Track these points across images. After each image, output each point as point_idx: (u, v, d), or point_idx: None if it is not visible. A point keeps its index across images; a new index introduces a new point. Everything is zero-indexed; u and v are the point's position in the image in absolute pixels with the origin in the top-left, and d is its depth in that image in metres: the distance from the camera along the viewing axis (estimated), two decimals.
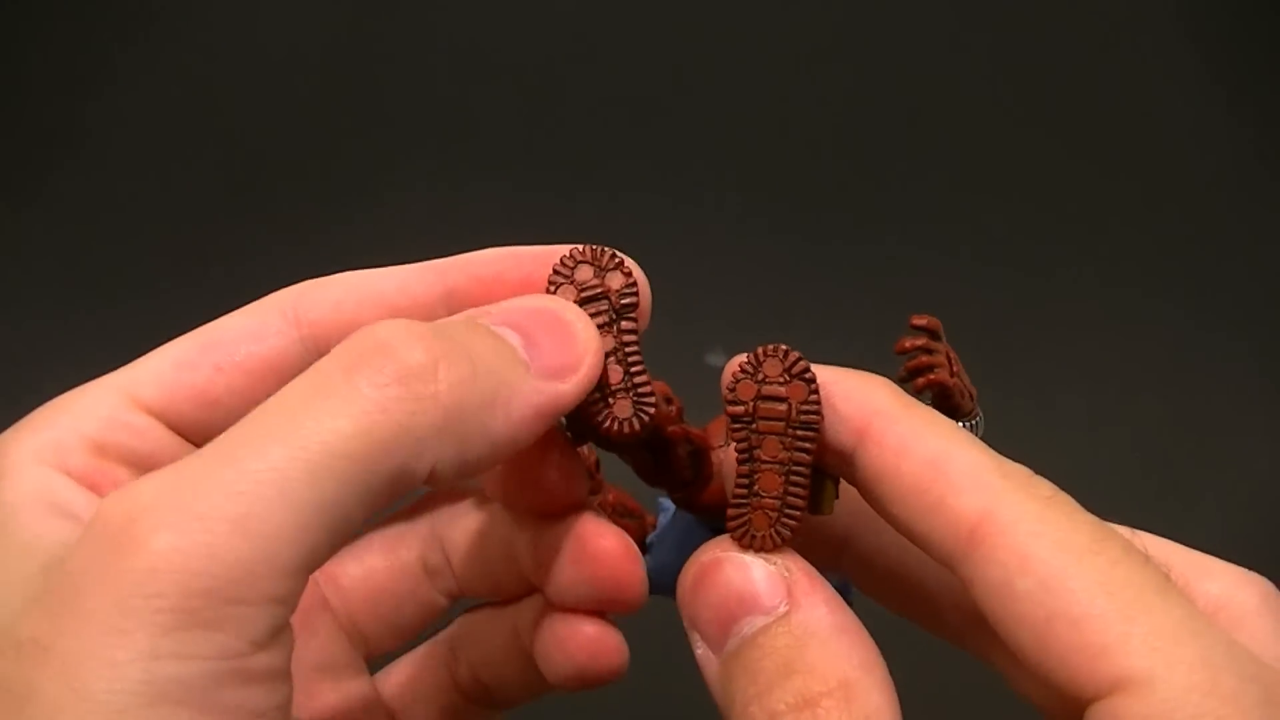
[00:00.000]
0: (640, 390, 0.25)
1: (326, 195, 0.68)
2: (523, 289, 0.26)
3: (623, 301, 0.25)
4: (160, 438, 0.25)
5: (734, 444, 0.24)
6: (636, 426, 0.25)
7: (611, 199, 0.68)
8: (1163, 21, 0.68)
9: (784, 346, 0.24)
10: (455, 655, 0.31)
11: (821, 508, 0.25)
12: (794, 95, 0.69)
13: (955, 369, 0.29)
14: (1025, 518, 0.21)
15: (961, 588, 0.22)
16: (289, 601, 0.20)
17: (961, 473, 0.22)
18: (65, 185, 0.67)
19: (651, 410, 0.25)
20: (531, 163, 0.68)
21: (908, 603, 0.27)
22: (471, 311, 0.25)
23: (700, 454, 0.29)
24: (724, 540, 0.25)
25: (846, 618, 0.23)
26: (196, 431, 0.25)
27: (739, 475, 0.24)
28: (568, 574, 0.27)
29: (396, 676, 0.31)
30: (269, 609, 0.19)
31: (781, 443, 0.24)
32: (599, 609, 0.28)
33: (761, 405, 0.24)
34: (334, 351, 0.22)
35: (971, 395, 0.30)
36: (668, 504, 0.33)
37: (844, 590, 0.29)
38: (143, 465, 0.24)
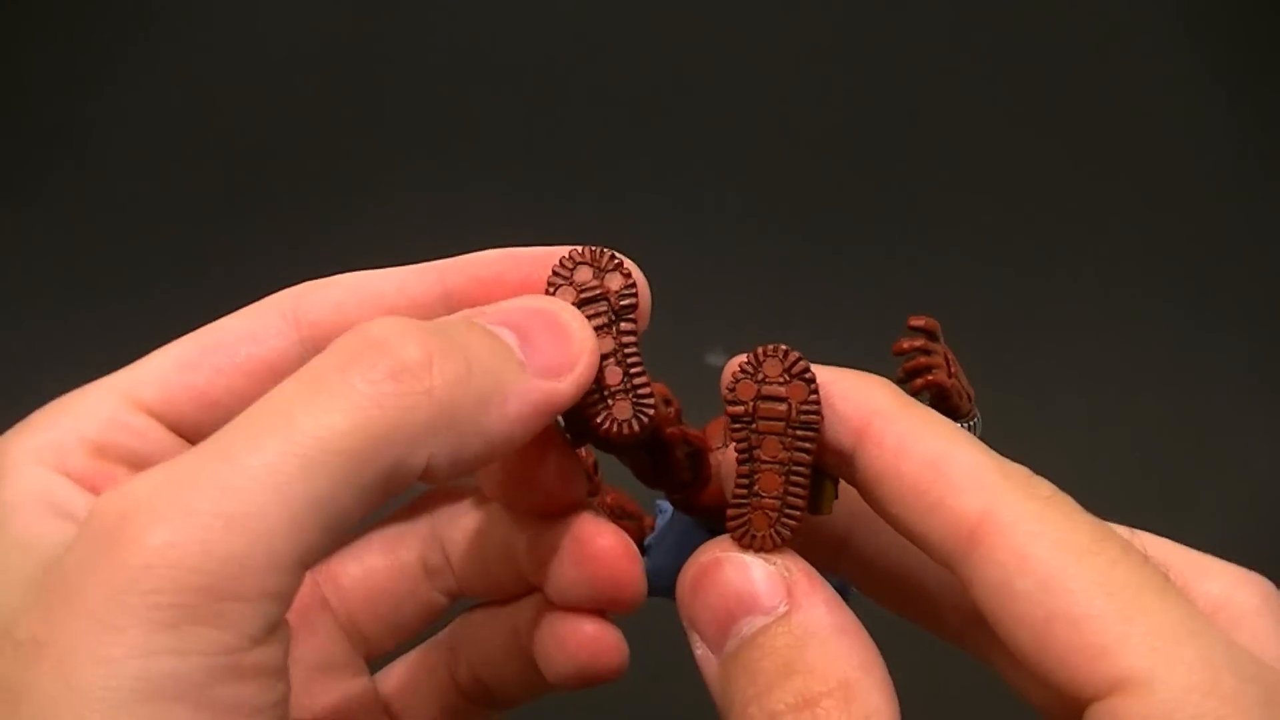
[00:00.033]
0: (639, 392, 0.25)
1: (326, 195, 0.68)
2: (522, 290, 0.26)
3: (622, 303, 0.25)
4: (160, 439, 0.25)
5: (734, 444, 0.24)
6: (636, 428, 0.25)
7: (611, 199, 0.68)
8: (1163, 21, 0.68)
9: (784, 346, 0.24)
10: (455, 655, 0.31)
11: (821, 508, 0.25)
12: (794, 95, 0.69)
13: (953, 370, 0.29)
14: (1025, 518, 0.21)
15: (961, 588, 0.22)
16: (285, 597, 0.20)
17: (961, 473, 0.22)
18: (65, 185, 0.67)
19: (651, 412, 0.25)
20: (531, 163, 0.68)
21: (907, 603, 0.27)
22: (468, 311, 0.25)
23: (698, 455, 0.29)
24: (724, 540, 0.25)
25: (846, 618, 0.23)
26: (196, 432, 0.25)
27: (739, 475, 0.24)
28: (567, 573, 0.27)
29: (396, 676, 0.31)
30: (264, 605, 0.19)
31: (781, 443, 0.24)
32: (598, 608, 0.28)
33: (761, 405, 0.24)
34: (329, 349, 0.22)
35: (969, 396, 0.30)
36: (666, 506, 0.33)
37: (843, 591, 0.29)
38: (143, 466, 0.24)
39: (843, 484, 0.25)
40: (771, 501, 0.24)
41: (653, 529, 0.33)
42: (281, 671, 0.20)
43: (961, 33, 0.69)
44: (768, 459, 0.24)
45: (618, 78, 0.68)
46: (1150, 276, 0.68)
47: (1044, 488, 0.22)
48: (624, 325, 0.25)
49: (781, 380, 0.24)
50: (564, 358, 0.24)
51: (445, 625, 0.32)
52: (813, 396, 0.24)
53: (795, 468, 0.24)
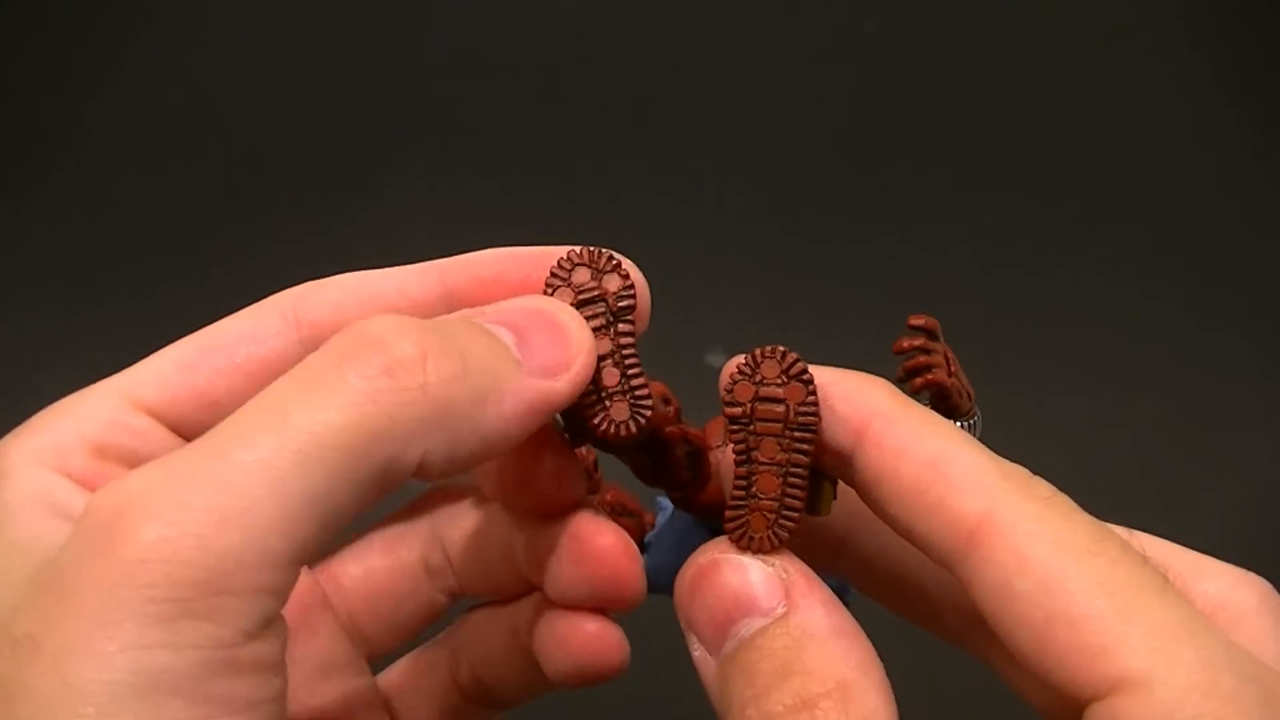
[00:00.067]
0: (637, 393, 0.25)
1: (326, 195, 0.68)
2: (522, 290, 0.26)
3: (620, 304, 0.25)
4: (161, 439, 0.25)
5: (731, 445, 0.24)
6: (633, 429, 0.25)
7: (611, 199, 0.68)
8: (1163, 21, 0.68)
9: (781, 348, 0.24)
10: (455, 655, 0.31)
11: (819, 509, 0.25)
12: (794, 95, 0.69)
13: (953, 369, 0.29)
14: (1024, 518, 0.21)
15: (960, 588, 0.22)
16: (280, 593, 0.20)
17: (960, 474, 0.22)
18: (65, 185, 0.67)
19: (648, 414, 0.25)
20: (531, 163, 0.68)
21: (907, 603, 0.27)
22: (467, 311, 0.25)
23: (698, 454, 0.29)
24: (721, 542, 0.25)
25: (844, 619, 0.23)
26: (197, 433, 0.25)
27: (736, 477, 0.24)
28: (566, 572, 0.27)
29: (397, 676, 0.31)
30: (259, 599, 0.20)
31: (779, 444, 0.24)
32: (598, 606, 0.28)
33: (759, 407, 0.24)
34: (324, 346, 0.22)
35: (969, 395, 0.30)
36: (666, 503, 0.33)
37: (843, 590, 0.29)
38: None
39: (841, 484, 0.25)
40: (769, 503, 0.24)
41: (653, 526, 0.34)
42: (278, 667, 0.21)
43: (961, 33, 0.69)
44: (765, 460, 0.24)
45: (618, 78, 0.68)
46: (1150, 276, 0.68)
47: (1043, 488, 0.22)
48: (621, 327, 0.25)
49: (779, 382, 0.24)
50: (561, 357, 0.24)
51: (446, 626, 0.32)
52: (810, 398, 0.24)
53: (793, 469, 0.24)
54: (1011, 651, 0.21)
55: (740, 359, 0.24)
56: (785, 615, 0.23)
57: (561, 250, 0.26)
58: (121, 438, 0.24)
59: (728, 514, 0.24)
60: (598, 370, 0.25)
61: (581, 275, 0.25)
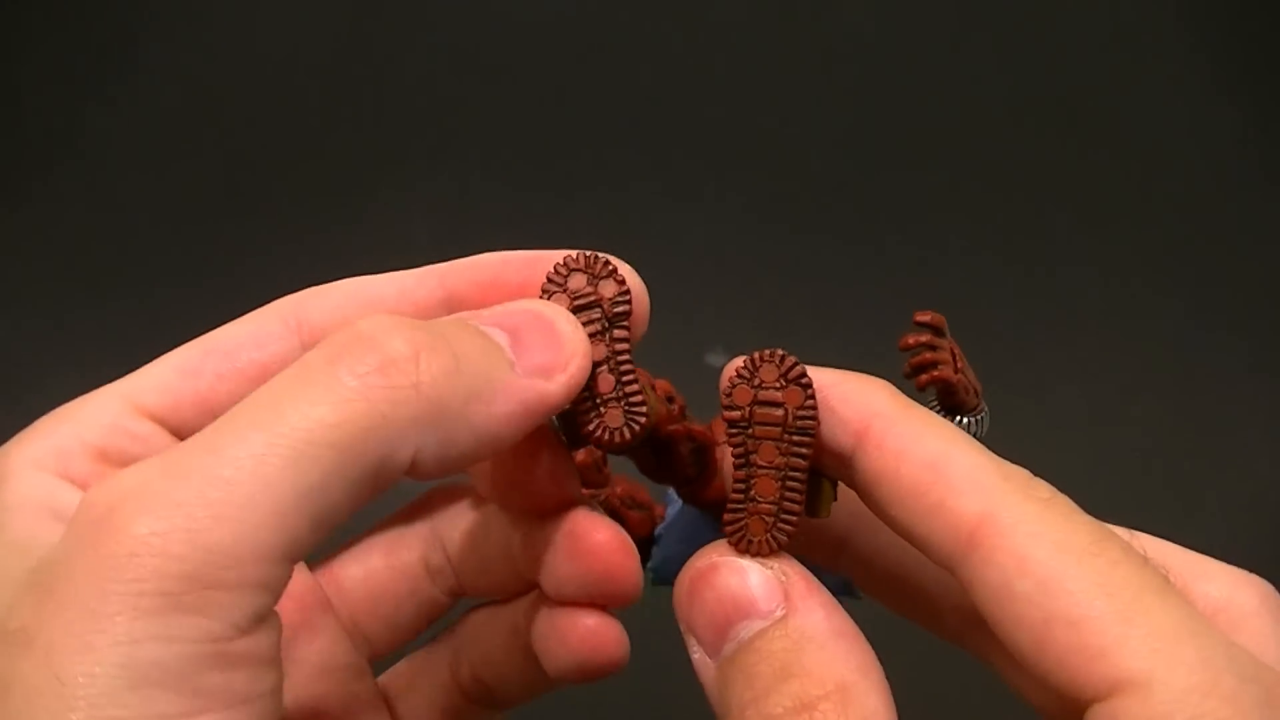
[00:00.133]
0: (631, 400, 0.25)
1: (326, 195, 0.68)
2: (521, 293, 0.26)
3: (615, 310, 0.25)
4: (163, 443, 0.25)
5: (730, 449, 0.24)
6: (627, 436, 0.25)
7: (612, 199, 0.68)
8: (1164, 21, 0.68)
9: (780, 351, 0.24)
10: (457, 655, 0.31)
11: (819, 511, 0.25)
12: (794, 95, 0.69)
13: (959, 364, 0.29)
14: (1024, 520, 0.21)
15: (960, 589, 0.22)
16: (273, 588, 0.20)
17: (961, 475, 0.22)
18: (65, 185, 0.67)
19: (642, 420, 0.25)
20: (531, 163, 0.68)
21: (907, 603, 0.27)
22: (463, 313, 0.25)
23: (703, 450, 0.29)
24: (720, 545, 0.25)
25: (843, 622, 0.23)
26: None
27: (735, 480, 0.24)
28: (563, 569, 0.27)
29: (398, 677, 0.31)
30: (251, 594, 0.20)
31: (778, 448, 0.24)
32: (596, 602, 0.28)
33: (758, 410, 0.24)
34: (319, 345, 0.22)
35: (976, 391, 0.30)
36: (676, 496, 0.33)
37: (846, 588, 0.29)
38: None
39: (842, 485, 0.25)
40: (768, 506, 0.24)
41: (663, 519, 0.34)
42: (272, 662, 0.21)
43: (961, 33, 0.69)
44: (764, 464, 0.24)
45: (618, 78, 0.68)
46: (1151, 276, 0.68)
47: (1043, 490, 0.22)
48: (617, 333, 0.25)
49: (778, 385, 0.24)
50: (554, 359, 0.24)
51: (447, 626, 0.32)
52: (809, 402, 0.24)
53: (792, 473, 0.24)
54: (1012, 652, 0.21)
55: (739, 362, 0.24)
56: (784, 618, 0.23)
57: (559, 254, 0.26)
58: (123, 442, 0.24)
59: (726, 517, 0.24)
60: (593, 376, 0.25)
61: (577, 281, 0.25)
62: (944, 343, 0.29)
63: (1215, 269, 0.68)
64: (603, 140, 0.68)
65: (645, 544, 0.34)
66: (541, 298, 0.25)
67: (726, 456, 0.27)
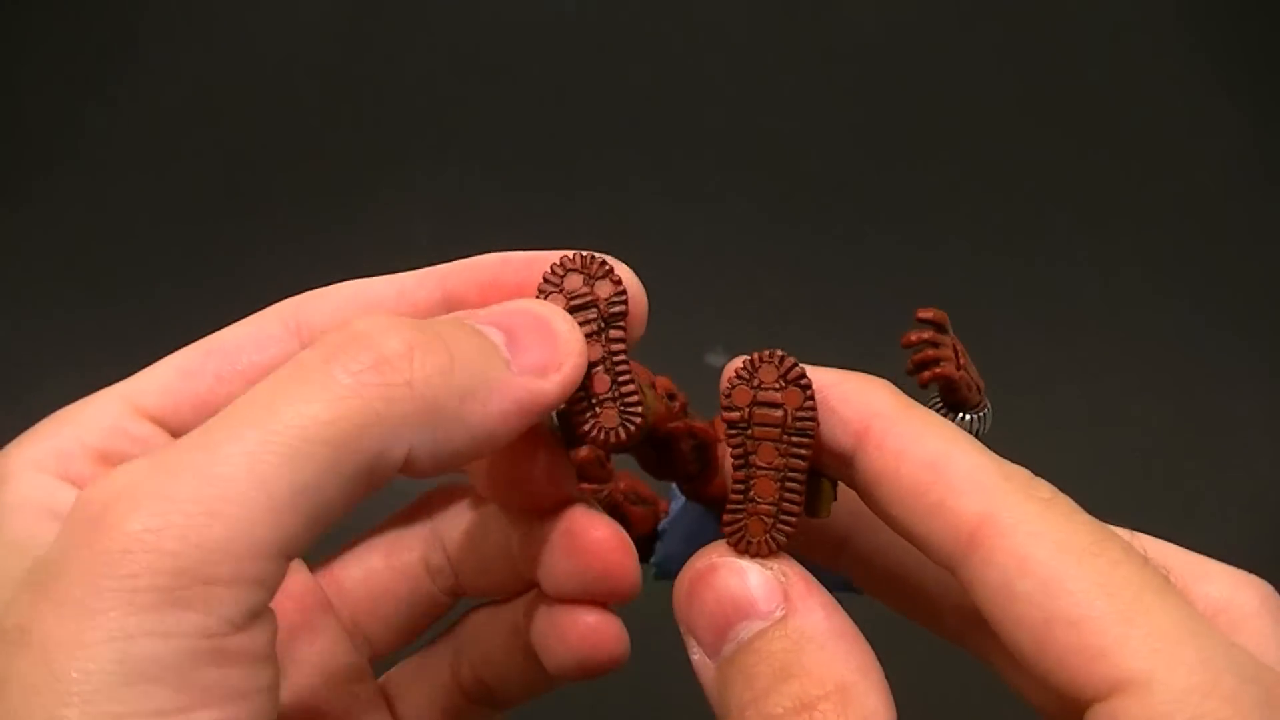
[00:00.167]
0: (627, 400, 0.25)
1: (326, 195, 0.68)
2: (520, 294, 0.26)
3: (611, 310, 0.25)
4: (163, 445, 0.25)
5: (730, 450, 0.24)
6: (622, 436, 0.25)
7: (612, 199, 0.68)
8: (1165, 20, 0.68)
9: (780, 352, 0.24)
10: (457, 655, 0.31)
11: (819, 511, 0.25)
12: (794, 95, 0.69)
13: (962, 361, 0.29)
14: (1025, 520, 0.21)
15: (961, 589, 0.22)
16: (267, 584, 0.20)
17: (961, 475, 0.22)
18: (64, 185, 0.67)
19: (638, 420, 0.25)
20: (531, 162, 0.68)
21: (907, 602, 0.27)
22: (458, 313, 0.25)
23: (705, 447, 0.29)
24: (720, 545, 0.25)
25: (843, 622, 0.23)
26: None
27: (735, 481, 0.24)
28: (561, 566, 0.27)
29: (399, 677, 0.31)
30: (245, 590, 0.20)
31: (777, 449, 0.24)
32: (595, 600, 0.28)
33: (757, 411, 0.24)
34: (314, 344, 0.22)
35: (979, 388, 0.30)
36: (679, 491, 0.33)
37: (847, 586, 0.29)
38: None
39: (842, 485, 0.25)
40: (767, 507, 0.24)
41: (667, 514, 0.34)
42: (267, 658, 0.21)
43: (962, 32, 0.69)
44: (763, 465, 0.24)
45: (617, 78, 0.68)
46: (1152, 275, 0.68)
47: (1044, 489, 0.22)
48: (613, 333, 0.25)
49: (777, 386, 0.24)
50: (550, 358, 0.24)
51: (448, 626, 0.32)
52: (808, 403, 0.24)
53: (791, 473, 0.24)
54: (1012, 652, 0.21)
55: (739, 363, 0.24)
56: (784, 618, 0.23)
57: (557, 255, 0.26)
58: (124, 444, 0.24)
59: (725, 518, 0.24)
60: (589, 376, 0.25)
61: (574, 281, 0.25)
62: (946, 340, 0.29)
63: (1215, 269, 0.68)
64: (603, 140, 0.68)
65: (649, 539, 0.34)
66: (538, 298, 0.25)
67: (728, 454, 0.27)
